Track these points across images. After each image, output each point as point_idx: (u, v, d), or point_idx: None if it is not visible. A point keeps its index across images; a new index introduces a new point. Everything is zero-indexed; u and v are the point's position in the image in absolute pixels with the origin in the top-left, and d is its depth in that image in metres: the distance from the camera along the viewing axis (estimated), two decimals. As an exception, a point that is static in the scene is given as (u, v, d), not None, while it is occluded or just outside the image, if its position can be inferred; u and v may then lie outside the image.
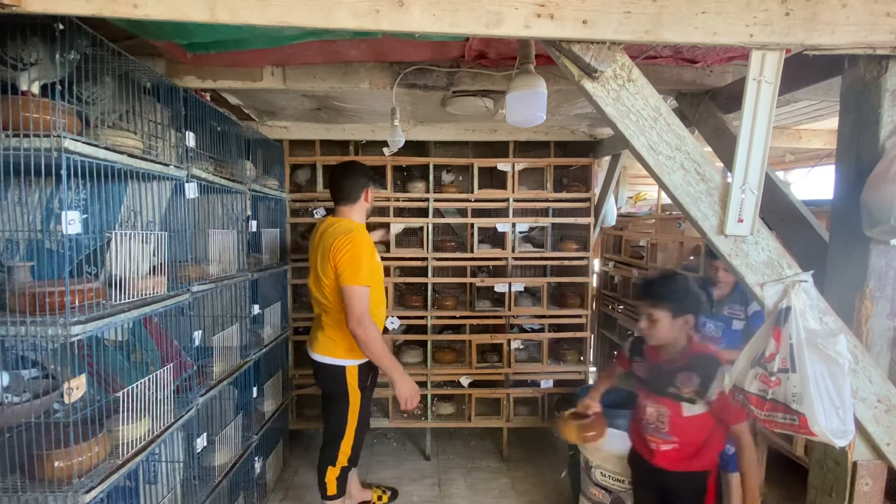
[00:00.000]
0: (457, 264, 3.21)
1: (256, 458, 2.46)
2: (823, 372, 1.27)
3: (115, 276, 1.43)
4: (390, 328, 3.10)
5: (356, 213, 2.15)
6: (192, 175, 1.80)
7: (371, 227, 3.44)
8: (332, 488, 2.13)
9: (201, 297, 1.97)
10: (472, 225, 3.10)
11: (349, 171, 2.14)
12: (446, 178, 3.23)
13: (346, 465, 2.15)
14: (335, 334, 2.07)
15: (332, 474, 2.12)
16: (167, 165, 1.64)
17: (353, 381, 2.08)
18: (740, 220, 1.34)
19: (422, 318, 3.14)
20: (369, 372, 2.16)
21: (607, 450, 2.17)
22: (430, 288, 3.13)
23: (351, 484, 2.43)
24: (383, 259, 3.13)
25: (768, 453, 2.64)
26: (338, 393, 2.09)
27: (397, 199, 3.13)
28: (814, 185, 4.17)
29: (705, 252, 2.28)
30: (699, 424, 1.62)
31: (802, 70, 1.58)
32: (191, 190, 1.79)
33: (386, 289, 3.13)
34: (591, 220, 3.18)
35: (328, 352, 2.08)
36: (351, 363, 2.07)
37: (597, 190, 3.36)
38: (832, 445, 1.28)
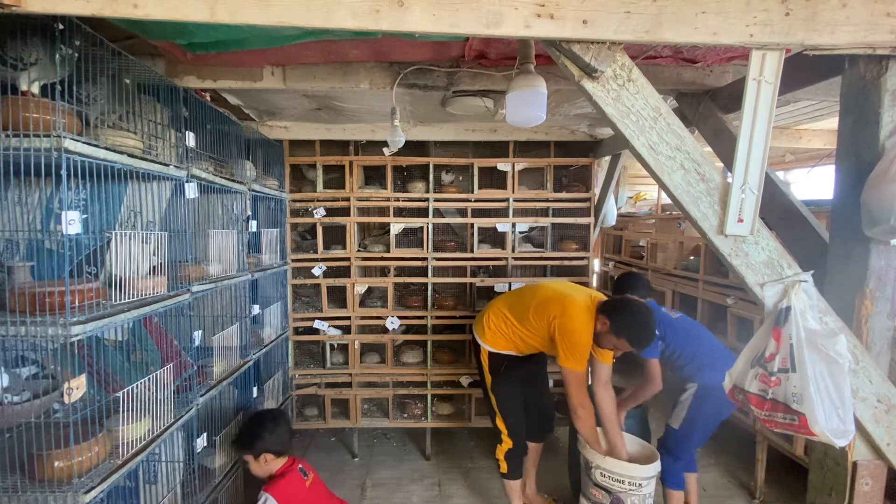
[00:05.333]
0: (457, 264, 3.20)
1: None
2: (823, 372, 1.27)
3: (115, 276, 1.42)
4: (390, 328, 3.11)
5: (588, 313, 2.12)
6: (192, 175, 1.79)
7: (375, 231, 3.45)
8: (502, 467, 2.38)
9: (201, 297, 1.96)
10: (472, 225, 3.10)
11: (619, 304, 2.11)
12: (446, 178, 3.23)
13: (512, 444, 2.34)
14: (490, 323, 2.33)
15: (499, 452, 2.38)
16: (167, 165, 1.64)
17: (485, 362, 2.37)
18: (740, 220, 1.34)
19: (422, 318, 3.14)
20: (502, 363, 2.34)
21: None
22: (430, 288, 3.13)
23: (528, 486, 2.58)
24: (383, 259, 3.14)
25: (768, 453, 2.64)
26: (480, 371, 2.42)
27: (397, 199, 3.12)
28: (814, 185, 4.17)
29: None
30: None
31: (802, 70, 1.58)
32: (191, 190, 1.79)
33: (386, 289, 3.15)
34: (591, 220, 3.18)
35: (479, 332, 2.39)
36: (485, 346, 2.35)
37: (597, 190, 3.36)
38: (832, 445, 1.28)
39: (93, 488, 1.25)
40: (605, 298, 2.19)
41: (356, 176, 3.10)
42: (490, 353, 2.34)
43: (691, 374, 2.25)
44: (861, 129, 1.38)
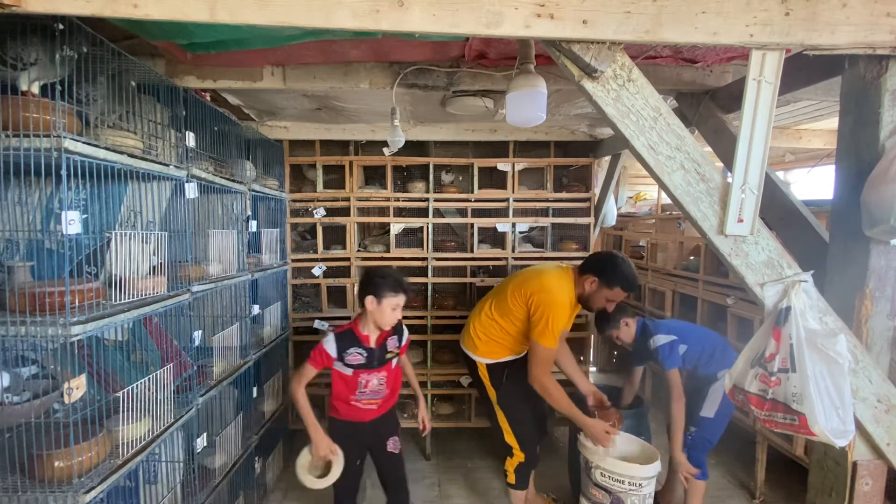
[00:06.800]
0: (457, 264, 3.21)
1: (256, 458, 2.46)
2: (823, 372, 1.27)
3: (115, 276, 1.42)
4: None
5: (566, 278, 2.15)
6: (192, 175, 1.79)
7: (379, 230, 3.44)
8: (510, 478, 2.31)
9: (201, 297, 1.96)
10: (472, 225, 3.10)
11: (600, 258, 2.15)
12: (446, 178, 3.23)
13: (524, 458, 2.25)
14: (479, 333, 2.27)
15: (509, 464, 2.29)
16: (167, 165, 1.64)
17: (485, 377, 2.28)
18: (740, 220, 1.34)
19: (422, 318, 3.14)
20: (502, 372, 2.28)
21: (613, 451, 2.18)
22: (430, 288, 3.13)
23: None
24: (383, 259, 3.14)
25: (768, 453, 2.64)
26: (480, 387, 2.34)
27: (397, 199, 3.13)
28: (814, 185, 4.17)
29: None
30: (398, 368, 2.07)
31: (802, 70, 1.58)
32: (191, 190, 1.79)
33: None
34: (591, 220, 3.18)
35: (469, 347, 2.32)
36: (481, 360, 2.27)
37: (597, 190, 3.36)
38: (832, 445, 1.29)
39: (93, 488, 1.25)
40: (574, 266, 2.20)
41: (356, 176, 3.10)
42: (488, 366, 2.26)
43: (721, 362, 2.29)
44: (861, 129, 1.38)
